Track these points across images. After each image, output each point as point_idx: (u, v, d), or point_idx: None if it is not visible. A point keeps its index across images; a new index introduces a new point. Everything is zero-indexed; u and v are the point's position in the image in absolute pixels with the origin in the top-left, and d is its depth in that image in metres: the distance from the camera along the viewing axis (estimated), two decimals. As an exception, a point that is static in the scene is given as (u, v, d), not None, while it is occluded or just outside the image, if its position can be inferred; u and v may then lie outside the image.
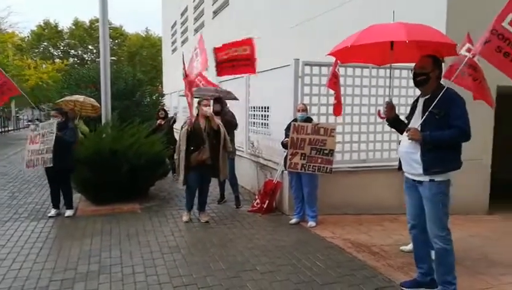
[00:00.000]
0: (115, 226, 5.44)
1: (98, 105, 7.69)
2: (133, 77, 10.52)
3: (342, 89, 5.85)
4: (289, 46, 10.07)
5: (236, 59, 6.37)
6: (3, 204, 6.65)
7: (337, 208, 6.04)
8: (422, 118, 3.17)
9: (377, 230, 5.45)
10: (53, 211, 5.93)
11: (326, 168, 5.54)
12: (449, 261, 3.23)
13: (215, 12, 19.02)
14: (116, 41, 49.62)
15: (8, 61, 21.09)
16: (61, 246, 4.66)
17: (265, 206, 6.05)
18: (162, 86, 31.22)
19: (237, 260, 4.27)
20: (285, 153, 5.86)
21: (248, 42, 6.25)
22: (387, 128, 6.46)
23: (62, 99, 7.73)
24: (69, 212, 5.93)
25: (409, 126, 3.25)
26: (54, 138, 5.59)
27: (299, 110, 5.65)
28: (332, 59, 5.71)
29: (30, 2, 62.78)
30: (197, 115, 5.67)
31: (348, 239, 4.95)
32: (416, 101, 3.44)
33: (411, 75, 3.39)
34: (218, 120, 5.83)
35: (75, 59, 49.86)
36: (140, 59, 48.77)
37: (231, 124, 6.40)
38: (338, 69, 5.38)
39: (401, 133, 3.54)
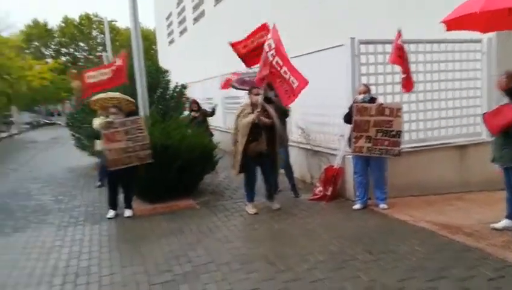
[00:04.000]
0: (183, 224, 5.24)
1: (133, 100, 7.41)
2: (157, 69, 10.17)
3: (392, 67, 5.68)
4: (300, 31, 9.75)
5: (257, 48, 6.08)
6: (52, 209, 6.41)
7: (402, 190, 5.86)
8: None
9: (451, 210, 5.30)
10: (111, 213, 5.71)
11: (394, 150, 5.36)
12: None
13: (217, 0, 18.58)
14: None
15: (10, 62, 20.48)
16: (140, 249, 4.45)
17: (329, 193, 5.88)
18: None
19: (332, 250, 4.10)
20: (348, 135, 5.69)
21: (262, 28, 5.98)
22: (443, 105, 6.34)
23: (98, 96, 7.41)
24: (128, 213, 5.71)
25: None
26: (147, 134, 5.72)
27: (360, 93, 5.43)
28: (388, 35, 5.60)
29: (14, 2, 60.97)
30: (251, 104, 5.48)
31: (431, 221, 4.80)
32: None
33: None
34: (271, 110, 5.63)
35: (68, 57, 48.98)
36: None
37: (283, 112, 6.18)
38: (402, 41, 5.14)
39: None
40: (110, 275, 3.82)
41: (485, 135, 6.48)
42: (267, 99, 5.89)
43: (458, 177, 6.24)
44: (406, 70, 5.29)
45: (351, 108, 5.50)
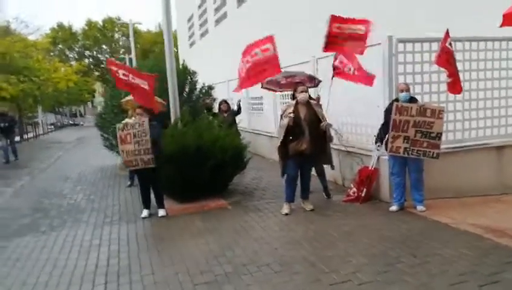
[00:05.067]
0: (217, 224, 5.22)
1: (162, 102, 7.46)
2: (184, 70, 10.21)
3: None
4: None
5: (348, 38, 5.71)
6: (86, 208, 6.49)
7: (437, 192, 5.71)
8: None
9: (492, 213, 5.13)
10: (145, 212, 5.74)
11: (433, 153, 5.20)
12: None
13: (241, 1, 18.58)
14: (129, 39, 49.42)
15: (39, 64, 20.98)
16: (178, 248, 4.45)
17: (363, 194, 5.77)
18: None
19: (373, 252, 4.01)
20: (385, 137, 5.58)
21: (365, 22, 5.63)
22: (481, 105, 6.15)
23: (129, 97, 7.48)
24: (162, 212, 5.74)
25: None
26: (150, 139, 5.44)
27: (402, 90, 5.31)
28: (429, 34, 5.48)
29: (40, 5, 62.66)
30: (296, 103, 5.40)
31: (474, 224, 4.64)
32: None
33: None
34: (320, 109, 5.56)
35: (91, 60, 49.94)
36: (154, 56, 48.52)
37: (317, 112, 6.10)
38: (450, 44, 5.01)
39: None
40: (151, 274, 3.82)
41: (524, 136, 6.28)
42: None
43: (495, 179, 6.05)
44: (453, 74, 5.15)
45: (387, 111, 5.40)
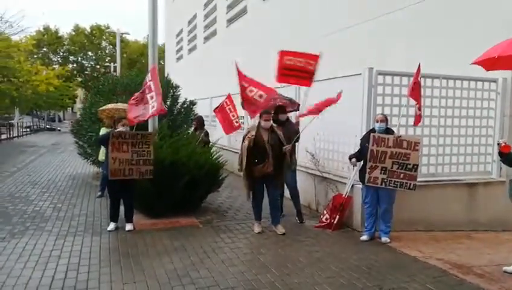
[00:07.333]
0: (185, 242, 5.09)
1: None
2: (168, 83, 10.16)
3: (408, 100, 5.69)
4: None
5: (298, 70, 6.10)
6: (51, 217, 6.24)
7: (408, 224, 5.76)
8: None
9: (461, 248, 5.17)
10: (112, 225, 5.56)
11: (410, 184, 5.25)
12: None
13: (230, 21, 18.82)
14: (116, 48, 49.21)
15: (19, 66, 20.50)
16: (142, 265, 4.29)
17: (335, 222, 5.75)
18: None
19: (341, 282, 3.96)
20: (357, 167, 5.61)
21: (315, 58, 6.01)
22: (455, 141, 6.28)
23: (106, 106, 7.36)
24: (129, 227, 5.57)
25: None
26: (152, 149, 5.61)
27: (377, 121, 5.39)
28: (408, 69, 5.62)
29: (30, 8, 61.86)
30: (258, 127, 5.50)
31: (442, 259, 4.66)
32: None
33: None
34: (280, 132, 5.60)
35: (74, 65, 49.30)
36: (140, 67, 48.34)
37: (295, 135, 6.12)
38: (420, 78, 5.16)
39: None
40: (110, 291, 3.67)
41: (494, 175, 6.43)
42: (278, 122, 5.88)
43: (466, 215, 6.14)
44: (420, 107, 5.32)
45: (363, 139, 5.46)
